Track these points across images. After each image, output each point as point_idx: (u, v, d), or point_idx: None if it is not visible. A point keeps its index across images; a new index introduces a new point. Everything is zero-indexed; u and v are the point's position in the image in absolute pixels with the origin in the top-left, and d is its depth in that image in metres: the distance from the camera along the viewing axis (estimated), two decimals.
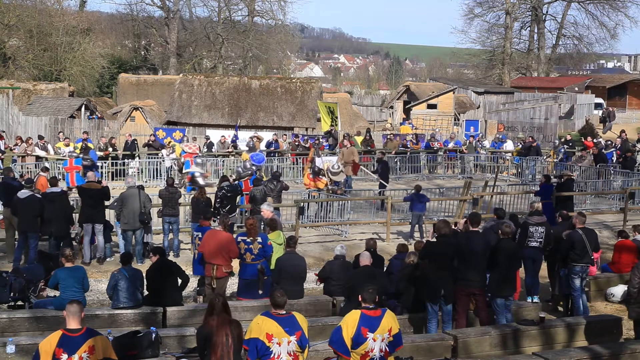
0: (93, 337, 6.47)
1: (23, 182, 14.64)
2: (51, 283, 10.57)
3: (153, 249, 11.30)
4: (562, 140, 28.82)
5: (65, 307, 6.56)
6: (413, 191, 17.01)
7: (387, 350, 7.12)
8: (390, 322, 7.16)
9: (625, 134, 28.17)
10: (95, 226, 14.14)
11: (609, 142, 27.56)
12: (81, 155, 22.09)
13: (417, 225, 16.76)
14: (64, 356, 6.32)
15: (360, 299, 7.21)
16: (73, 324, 6.45)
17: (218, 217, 12.83)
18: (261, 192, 15.52)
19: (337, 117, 27.24)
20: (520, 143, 27.87)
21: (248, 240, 10.96)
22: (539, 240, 11.92)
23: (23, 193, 13.56)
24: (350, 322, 7.03)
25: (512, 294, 10.68)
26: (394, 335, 7.17)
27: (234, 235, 11.37)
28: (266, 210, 12.78)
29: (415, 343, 9.05)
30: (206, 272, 11.04)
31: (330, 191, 18.55)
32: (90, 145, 24.42)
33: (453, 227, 11.22)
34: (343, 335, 6.99)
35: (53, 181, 14.43)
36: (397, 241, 15.85)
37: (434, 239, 10.70)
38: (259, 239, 11.03)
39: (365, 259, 10.42)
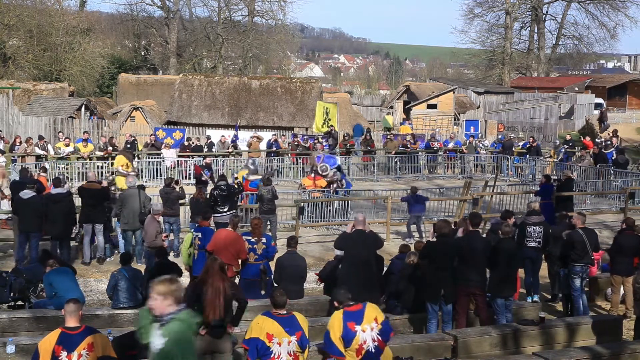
0: (92, 335, 6.51)
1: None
2: (48, 293, 10.36)
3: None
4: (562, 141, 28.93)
5: (64, 306, 6.60)
6: (409, 193, 17.04)
7: (380, 339, 7.15)
8: (373, 312, 7.24)
9: (612, 135, 28.25)
10: (95, 226, 14.14)
11: (609, 142, 27.56)
12: None
13: (415, 226, 16.76)
14: (64, 354, 6.35)
15: (336, 304, 7.37)
16: (72, 322, 6.48)
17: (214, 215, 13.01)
18: (269, 192, 15.52)
19: (329, 119, 27.20)
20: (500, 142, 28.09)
21: (252, 240, 10.95)
22: (537, 240, 11.94)
23: (25, 193, 13.49)
24: (335, 323, 7.13)
25: (512, 294, 10.68)
26: (382, 323, 7.21)
27: None
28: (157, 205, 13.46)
29: (415, 343, 9.04)
30: None
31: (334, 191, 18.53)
32: (90, 145, 24.34)
33: (453, 226, 11.20)
34: (332, 337, 7.08)
35: (57, 182, 14.23)
36: (397, 241, 15.85)
37: (434, 239, 10.71)
38: (264, 240, 11.02)
39: (359, 223, 10.31)
